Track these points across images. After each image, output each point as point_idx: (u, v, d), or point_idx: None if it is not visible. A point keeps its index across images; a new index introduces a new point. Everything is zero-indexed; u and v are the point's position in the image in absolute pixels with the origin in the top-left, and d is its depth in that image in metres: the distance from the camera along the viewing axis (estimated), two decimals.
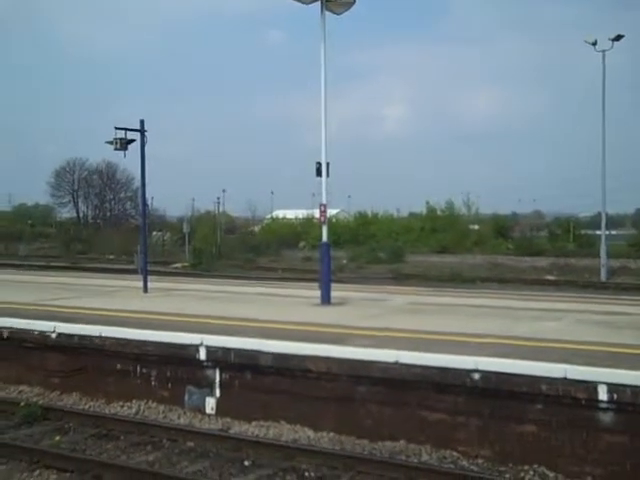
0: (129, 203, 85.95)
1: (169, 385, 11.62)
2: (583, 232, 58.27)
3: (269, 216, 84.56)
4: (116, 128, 18.27)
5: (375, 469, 8.59)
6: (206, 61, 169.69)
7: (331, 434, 10.00)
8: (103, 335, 12.12)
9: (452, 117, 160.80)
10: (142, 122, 18.65)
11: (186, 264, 49.09)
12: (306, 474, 8.63)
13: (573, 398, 8.63)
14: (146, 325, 12.43)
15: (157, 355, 11.64)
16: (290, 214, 77.22)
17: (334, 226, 57.72)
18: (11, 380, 13.00)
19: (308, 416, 10.29)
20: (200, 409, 11.21)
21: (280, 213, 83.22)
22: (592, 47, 38.20)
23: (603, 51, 38.06)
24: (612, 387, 8.40)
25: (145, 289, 18.94)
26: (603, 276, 37.05)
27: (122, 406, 11.66)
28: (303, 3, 16.08)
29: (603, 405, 8.50)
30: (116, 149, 18.31)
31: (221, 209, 70.39)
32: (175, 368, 11.53)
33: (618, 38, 37.70)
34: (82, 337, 12.33)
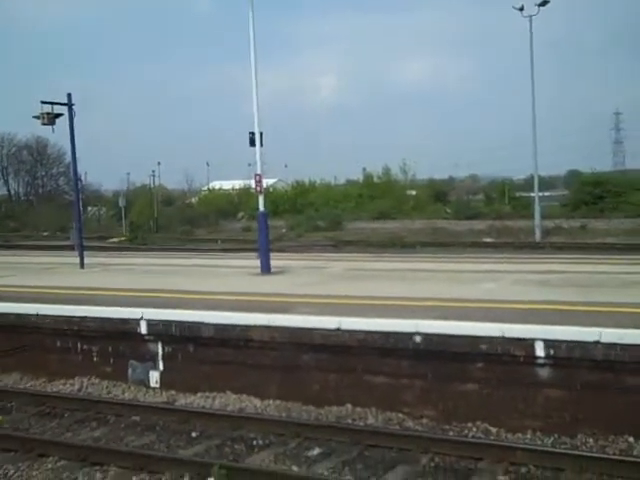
0: (62, 179, 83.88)
1: (111, 360, 11.49)
2: (518, 194, 59.35)
3: (206, 187, 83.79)
4: (42, 102, 17.83)
5: (322, 434, 8.65)
6: (137, 32, 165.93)
7: (277, 402, 10.03)
8: (40, 313, 11.89)
9: (386, 85, 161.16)
10: (69, 96, 18.24)
11: (123, 238, 48.50)
12: (254, 442, 8.65)
13: (512, 356, 8.81)
14: (84, 301, 12.25)
15: (98, 331, 11.48)
16: (227, 185, 76.60)
17: (272, 195, 57.62)
18: None
19: (253, 385, 10.30)
20: (144, 383, 11.12)
21: (217, 184, 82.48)
22: (519, 12, 38.80)
23: (530, 16, 38.65)
24: (548, 343, 8.60)
25: (82, 265, 18.65)
26: (538, 236, 37.88)
27: (64, 384, 11.48)
28: None
29: (540, 361, 8.70)
30: (44, 124, 17.90)
31: (157, 182, 69.44)
32: (117, 343, 11.40)
33: (544, 3, 38.36)
34: (19, 316, 12.08)
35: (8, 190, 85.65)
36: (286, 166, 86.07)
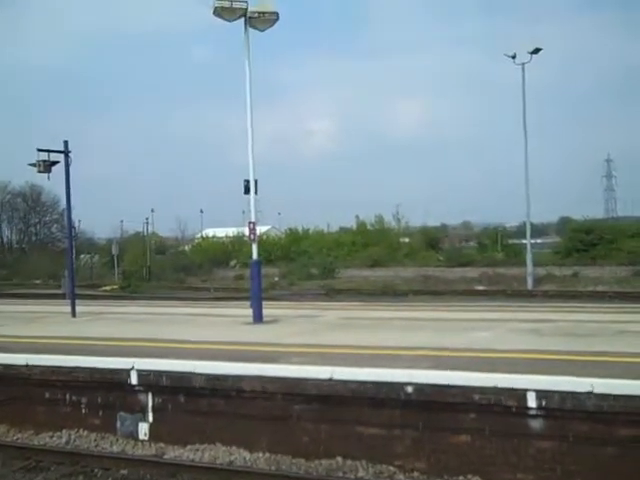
0: (55, 226, 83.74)
1: (100, 412, 11.36)
2: (510, 242, 59.48)
3: (199, 235, 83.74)
4: (39, 150, 17.90)
5: None
6: (132, 78, 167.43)
7: (267, 454, 9.92)
8: (30, 364, 11.78)
9: (378, 131, 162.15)
10: (66, 143, 18.32)
11: (115, 286, 48.32)
12: None
13: (504, 406, 8.76)
14: (75, 351, 12.15)
15: (87, 382, 11.37)
16: (221, 232, 76.60)
17: (265, 243, 57.68)
18: None
19: (244, 437, 10.19)
20: (133, 435, 10.99)
21: (210, 232, 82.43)
22: (512, 60, 39.21)
23: (522, 64, 39.03)
24: (540, 393, 8.55)
25: (73, 314, 18.54)
26: (530, 284, 37.87)
27: (52, 436, 11.32)
28: (227, 20, 16.04)
29: (532, 412, 8.65)
30: (40, 171, 17.95)
31: (150, 229, 69.42)
32: (106, 394, 11.29)
33: (536, 51, 38.69)
34: (7, 367, 11.97)
35: (1, 238, 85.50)
36: (279, 214, 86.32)
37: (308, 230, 71.87)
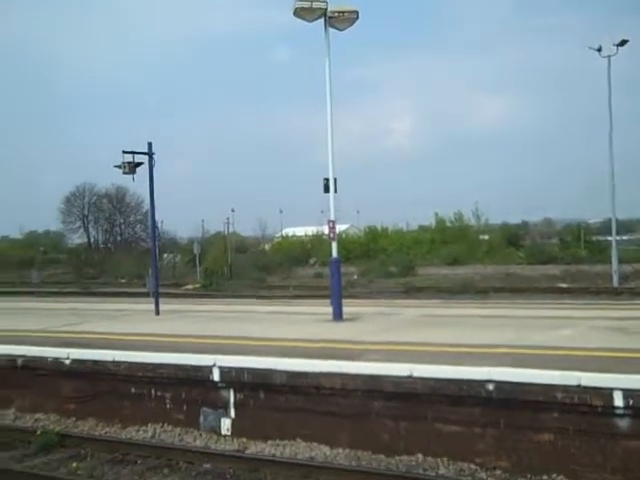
0: (139, 226, 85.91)
1: (184, 407, 11.62)
2: (594, 238, 58.02)
3: (279, 234, 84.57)
4: (124, 152, 18.36)
5: None
6: (215, 80, 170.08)
7: (347, 450, 9.98)
8: (116, 360, 12.14)
9: (457, 128, 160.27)
10: (150, 145, 18.74)
11: (197, 285, 49.14)
12: None
13: (589, 405, 8.58)
14: (159, 348, 12.45)
15: (171, 378, 11.64)
16: (300, 231, 77.21)
17: (344, 241, 57.77)
18: (27, 408, 13.02)
19: (324, 433, 10.27)
20: (216, 430, 11.20)
21: (290, 231, 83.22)
22: (597, 53, 38.19)
23: (608, 56, 38.00)
24: (627, 393, 8.35)
25: (157, 311, 18.97)
26: (615, 282, 36.85)
27: (138, 430, 11.65)
28: (307, 21, 16.17)
29: (619, 411, 8.45)
30: (125, 173, 18.40)
31: (231, 229, 70.36)
32: (189, 390, 11.53)
33: (623, 43, 37.60)
34: (96, 362, 12.36)
35: (88, 238, 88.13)
36: (358, 212, 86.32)
37: (387, 228, 71.69)
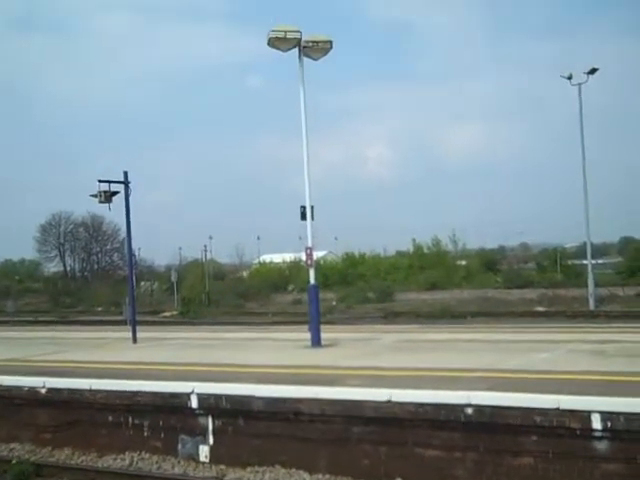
0: (116, 254, 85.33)
1: (162, 435, 11.50)
2: (570, 262, 58.49)
3: (257, 261, 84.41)
4: (99, 181, 18.35)
5: None
6: (188, 109, 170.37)
7: (327, 476, 9.92)
8: (93, 388, 12.01)
9: (433, 155, 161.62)
10: (126, 174, 18.73)
11: (175, 312, 48.93)
12: None
13: (567, 428, 8.60)
14: (136, 376, 12.34)
15: (149, 405, 11.53)
16: (278, 258, 77.10)
17: (322, 268, 57.76)
18: (1, 438, 12.82)
19: (303, 459, 10.21)
20: (194, 457, 11.09)
21: (267, 257, 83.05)
22: (568, 81, 38.84)
23: (579, 84, 38.63)
24: (605, 415, 8.38)
25: (134, 339, 18.84)
26: (592, 305, 37.15)
27: (115, 459, 11.51)
28: (281, 50, 16.29)
29: (597, 434, 8.48)
30: (101, 202, 18.35)
31: (208, 256, 70.27)
32: (167, 417, 11.43)
33: (593, 71, 38.24)
34: (72, 391, 12.22)
35: (64, 266, 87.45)
36: (336, 238, 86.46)
37: (365, 254, 71.80)
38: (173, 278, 56.58)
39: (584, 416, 8.52)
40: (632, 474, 8.31)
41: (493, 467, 9.06)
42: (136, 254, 52.17)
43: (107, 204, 18.51)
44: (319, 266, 45.08)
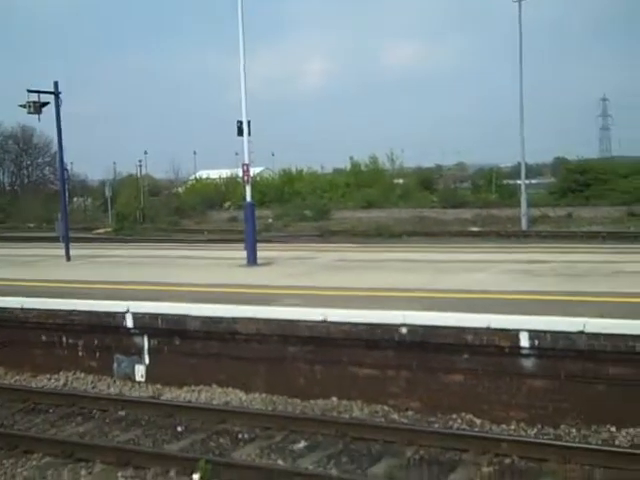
0: (48, 168, 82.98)
1: (97, 354, 11.44)
2: (505, 182, 59.34)
3: (193, 177, 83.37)
4: (28, 91, 17.64)
5: (307, 427, 8.67)
6: (120, 19, 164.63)
7: (263, 395, 10.03)
8: (25, 307, 11.82)
9: (373, 70, 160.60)
10: (56, 84, 18.01)
11: (109, 229, 48.31)
12: (240, 436, 8.65)
13: (497, 347, 8.83)
14: (70, 294, 12.18)
15: (83, 325, 11.42)
16: (214, 174, 76.19)
17: (258, 185, 57.48)
18: None
19: (239, 378, 10.29)
20: (130, 377, 11.09)
21: (204, 173, 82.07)
22: None
23: (519, 0, 38.56)
24: (533, 334, 8.62)
25: (68, 257, 18.53)
26: (524, 225, 37.96)
27: (49, 378, 11.44)
28: None
29: (525, 352, 8.73)
30: (30, 113, 17.71)
31: (143, 171, 69.04)
32: (102, 337, 11.35)
33: None
34: (3, 310, 12.01)
35: None
36: (273, 154, 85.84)
37: (302, 171, 71.51)
38: (107, 193, 55.61)
39: (512, 335, 8.74)
40: (556, 390, 8.62)
41: (425, 384, 9.29)
42: (68, 168, 50.83)
43: (37, 115, 17.89)
44: (256, 183, 44.80)
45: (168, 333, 10.85)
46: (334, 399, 9.64)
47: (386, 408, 9.34)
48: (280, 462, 7.80)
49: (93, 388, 10.97)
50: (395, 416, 9.16)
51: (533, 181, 59.31)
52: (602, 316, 8.64)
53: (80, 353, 11.57)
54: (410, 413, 9.20)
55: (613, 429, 8.22)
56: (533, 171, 70.56)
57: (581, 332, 8.41)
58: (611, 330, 8.32)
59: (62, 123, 18.36)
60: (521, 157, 40.13)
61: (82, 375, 11.37)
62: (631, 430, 8.15)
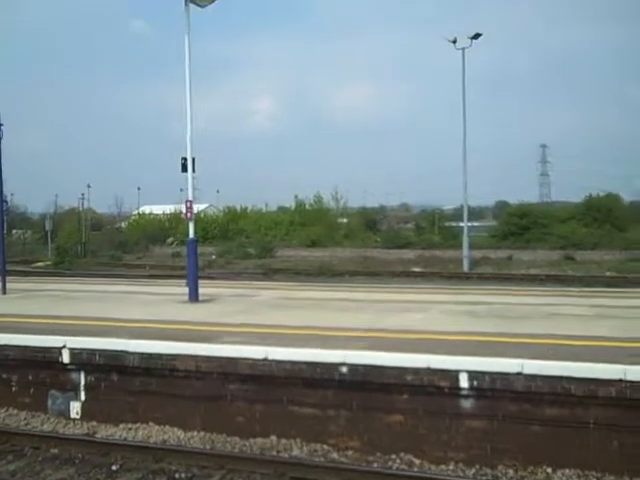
0: None
1: (31, 390, 11.15)
2: (447, 224, 60.27)
3: (136, 212, 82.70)
4: None
5: (245, 466, 8.57)
6: (67, 50, 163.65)
7: (201, 433, 9.89)
8: None
9: (318, 113, 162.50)
10: None
11: (49, 263, 47.45)
12: (177, 475, 8.50)
13: (437, 387, 8.89)
14: (4, 329, 11.86)
15: (17, 360, 11.13)
16: (158, 209, 75.73)
17: (202, 221, 57.40)
18: None
19: (177, 416, 10.14)
20: (64, 414, 10.82)
21: (147, 209, 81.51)
22: (452, 45, 39.56)
23: (463, 49, 39.42)
24: (472, 374, 8.71)
25: (4, 291, 18.11)
26: (466, 267, 38.49)
27: None
28: None
29: (464, 392, 8.80)
30: None
31: (86, 205, 68.24)
32: (37, 372, 11.07)
33: (477, 36, 39.08)
34: None
35: None
36: (218, 191, 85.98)
37: (246, 209, 71.60)
38: (47, 227, 54.76)
39: (452, 375, 8.81)
40: (494, 430, 8.69)
41: (365, 424, 9.27)
42: (8, 200, 49.97)
43: None
44: (199, 219, 44.68)
45: (106, 369, 10.65)
46: (273, 438, 9.55)
47: (326, 447, 9.29)
48: None
49: (26, 425, 10.66)
50: (335, 455, 9.12)
51: (475, 223, 60.40)
52: (540, 357, 8.77)
53: (13, 388, 11.26)
54: (350, 452, 9.17)
55: (549, 470, 8.31)
56: (475, 214, 71.84)
57: (519, 373, 8.52)
58: (548, 372, 8.45)
59: (2, 154, 18.08)
60: (464, 200, 40.80)
61: (15, 411, 11.04)
62: (566, 471, 8.26)
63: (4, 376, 11.33)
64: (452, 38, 39.45)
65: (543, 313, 13.35)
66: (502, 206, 73.72)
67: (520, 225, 51.60)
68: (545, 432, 8.49)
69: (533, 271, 36.05)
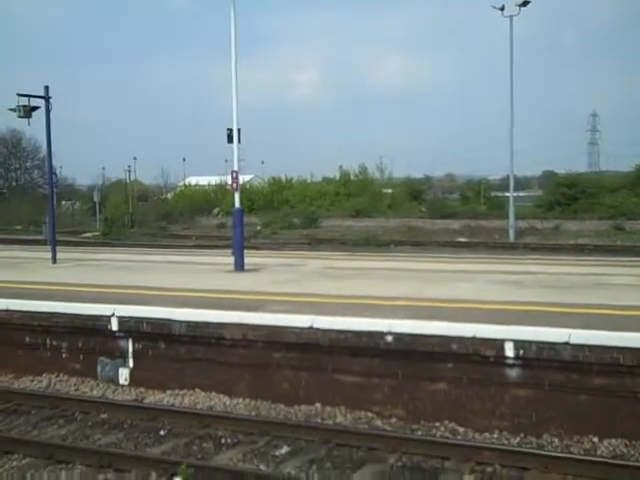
0: (36, 172, 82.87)
1: (81, 357, 11.39)
2: (493, 194, 59.58)
3: (182, 183, 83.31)
4: (19, 95, 17.66)
5: (290, 432, 8.64)
6: (114, 28, 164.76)
7: (247, 400, 10.00)
8: (10, 308, 11.76)
9: (364, 82, 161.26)
10: (47, 88, 18.02)
11: (97, 233, 48.18)
12: (222, 441, 8.62)
13: (482, 356, 8.85)
14: (55, 296, 12.11)
15: (67, 327, 11.37)
16: (203, 180, 76.24)
17: (248, 192, 57.59)
18: None
19: (223, 383, 10.26)
20: (113, 380, 11.03)
21: (193, 180, 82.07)
22: (500, 12, 38.93)
23: (510, 16, 38.77)
24: (518, 344, 8.65)
25: (54, 260, 18.46)
26: (511, 237, 38.12)
27: (32, 380, 11.37)
28: None
29: (510, 361, 8.75)
30: (20, 116, 17.76)
31: (133, 177, 68.95)
32: (87, 340, 11.29)
33: (525, 4, 38.36)
34: None
35: None
36: (263, 162, 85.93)
37: (291, 179, 71.62)
38: (96, 198, 55.51)
39: (498, 344, 8.76)
40: (539, 400, 8.64)
41: (410, 392, 9.29)
42: (57, 172, 50.75)
43: (26, 119, 17.90)
44: (245, 190, 44.86)
45: (153, 337, 10.81)
46: (318, 405, 9.62)
47: (370, 415, 9.33)
48: (262, 467, 7.77)
49: (76, 390, 10.90)
50: (379, 423, 9.16)
51: (521, 194, 59.64)
52: (587, 327, 8.67)
53: (64, 355, 11.52)
54: (394, 420, 9.20)
55: (595, 439, 8.24)
56: (522, 184, 70.90)
57: (566, 343, 8.44)
58: (595, 342, 8.35)
59: (53, 130, 18.34)
60: (510, 170, 40.27)
61: (65, 377, 11.30)
62: (613, 441, 8.17)
63: (54, 343, 11.59)
64: (499, 5, 38.81)
65: (590, 283, 13.18)
66: (549, 176, 72.44)
67: (568, 195, 50.69)
68: (592, 402, 8.41)
69: (581, 241, 35.55)
